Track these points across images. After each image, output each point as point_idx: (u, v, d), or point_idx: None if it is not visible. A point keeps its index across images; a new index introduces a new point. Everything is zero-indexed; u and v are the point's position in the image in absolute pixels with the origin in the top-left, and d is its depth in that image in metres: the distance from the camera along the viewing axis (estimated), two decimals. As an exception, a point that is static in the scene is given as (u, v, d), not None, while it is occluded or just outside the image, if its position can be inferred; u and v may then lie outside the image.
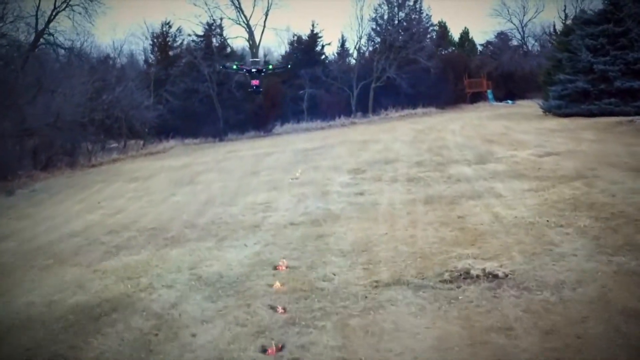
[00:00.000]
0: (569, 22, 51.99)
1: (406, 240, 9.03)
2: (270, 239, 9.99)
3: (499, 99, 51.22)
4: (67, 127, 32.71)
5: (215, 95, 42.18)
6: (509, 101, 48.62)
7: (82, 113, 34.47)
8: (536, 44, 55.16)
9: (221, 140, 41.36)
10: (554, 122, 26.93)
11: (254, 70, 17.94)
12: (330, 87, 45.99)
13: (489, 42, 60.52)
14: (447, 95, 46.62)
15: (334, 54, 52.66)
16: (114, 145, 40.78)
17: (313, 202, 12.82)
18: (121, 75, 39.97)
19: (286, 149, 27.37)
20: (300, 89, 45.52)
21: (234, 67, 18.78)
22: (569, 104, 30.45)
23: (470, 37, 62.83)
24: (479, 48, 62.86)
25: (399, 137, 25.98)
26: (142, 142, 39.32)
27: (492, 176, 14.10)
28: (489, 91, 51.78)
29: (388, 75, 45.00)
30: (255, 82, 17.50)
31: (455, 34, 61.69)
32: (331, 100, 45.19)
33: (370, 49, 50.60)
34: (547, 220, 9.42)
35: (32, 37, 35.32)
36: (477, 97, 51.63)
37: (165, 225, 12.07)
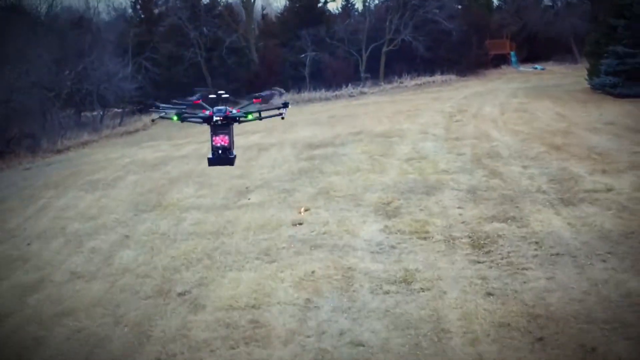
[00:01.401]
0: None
1: None
2: None
3: (521, 61, 45.60)
4: (26, 107, 27.46)
5: (204, 62, 36.65)
6: (537, 66, 42.95)
7: (49, 85, 29.24)
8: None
9: (211, 113, 35.95)
10: (619, 110, 21.64)
11: (217, 118, 6.18)
12: (336, 51, 40.31)
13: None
14: (468, 60, 40.88)
15: (337, 9, 46.79)
16: (91, 114, 35.40)
17: (330, 314, 7.72)
18: (95, 40, 34.18)
19: (285, 139, 22.09)
20: (301, 53, 39.87)
21: (174, 117, 6.80)
22: (626, 82, 25.14)
23: (485, -12, 56.48)
24: (495, 2, 56.61)
25: (427, 130, 20.65)
26: (119, 119, 33.87)
27: (610, 248, 8.97)
28: (512, 53, 46.07)
29: (403, 37, 39.24)
30: (221, 139, 5.91)
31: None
32: (337, 65, 39.56)
33: (378, 1, 44.72)
34: None
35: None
36: (498, 60, 45.93)
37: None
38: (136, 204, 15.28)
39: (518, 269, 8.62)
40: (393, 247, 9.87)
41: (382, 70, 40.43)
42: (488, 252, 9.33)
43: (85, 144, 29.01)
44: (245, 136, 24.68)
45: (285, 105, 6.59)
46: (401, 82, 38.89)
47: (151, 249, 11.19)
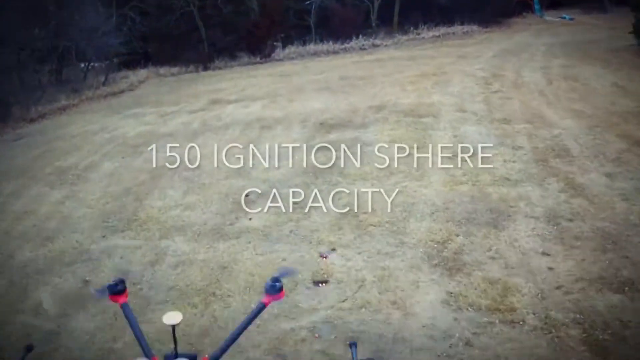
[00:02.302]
0: None
1: None
2: None
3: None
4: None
5: (197, 11, 32.79)
6: (566, 16, 38.87)
7: (21, 43, 25.64)
8: None
9: (206, 68, 32.39)
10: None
11: None
12: (345, -4, 36.41)
13: None
14: (492, 7, 36.76)
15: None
16: (80, 65, 31.64)
17: None
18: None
19: (292, 113, 18.58)
20: (306, -1, 36.02)
21: None
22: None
23: None
24: None
25: (464, 105, 17.12)
26: (103, 76, 30.16)
27: None
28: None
29: (420, -18, 35.24)
30: None
31: None
32: (346, 13, 35.64)
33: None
34: None
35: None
36: (520, 7, 41.80)
37: None
38: (107, 216, 12.02)
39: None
40: (469, 344, 6.59)
41: (396, 19, 36.44)
42: (620, 365, 6.07)
43: (63, 109, 25.45)
44: (243, 104, 21.25)
45: None
46: (417, 34, 34.97)
47: (114, 320, 7.89)
